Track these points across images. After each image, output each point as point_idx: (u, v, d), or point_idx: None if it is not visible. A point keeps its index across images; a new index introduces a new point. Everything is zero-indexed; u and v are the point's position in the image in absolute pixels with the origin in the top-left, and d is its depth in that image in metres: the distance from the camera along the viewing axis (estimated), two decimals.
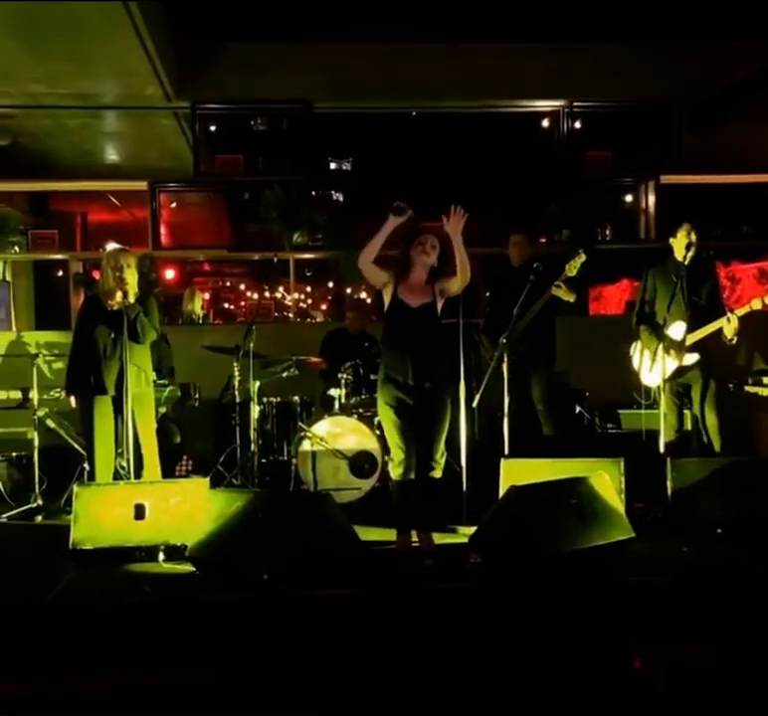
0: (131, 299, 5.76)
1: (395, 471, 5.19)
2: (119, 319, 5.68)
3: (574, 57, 9.75)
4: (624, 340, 6.47)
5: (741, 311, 5.80)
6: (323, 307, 21.47)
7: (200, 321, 10.44)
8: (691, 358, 5.96)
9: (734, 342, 5.85)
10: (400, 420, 5.13)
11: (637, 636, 4.06)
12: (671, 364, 5.97)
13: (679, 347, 5.96)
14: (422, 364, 5.09)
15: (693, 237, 5.98)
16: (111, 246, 6.18)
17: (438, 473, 5.19)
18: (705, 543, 5.13)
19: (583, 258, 6.25)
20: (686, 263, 5.98)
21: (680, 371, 6.01)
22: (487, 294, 6.86)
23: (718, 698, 3.43)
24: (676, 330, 5.98)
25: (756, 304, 5.76)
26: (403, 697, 3.47)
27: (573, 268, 6.24)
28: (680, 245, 6.03)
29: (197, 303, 10.30)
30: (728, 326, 5.81)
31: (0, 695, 3.48)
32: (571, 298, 6.36)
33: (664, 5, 9.54)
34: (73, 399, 5.95)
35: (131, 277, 5.81)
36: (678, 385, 6.09)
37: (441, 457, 5.19)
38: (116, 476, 5.90)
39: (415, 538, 5.21)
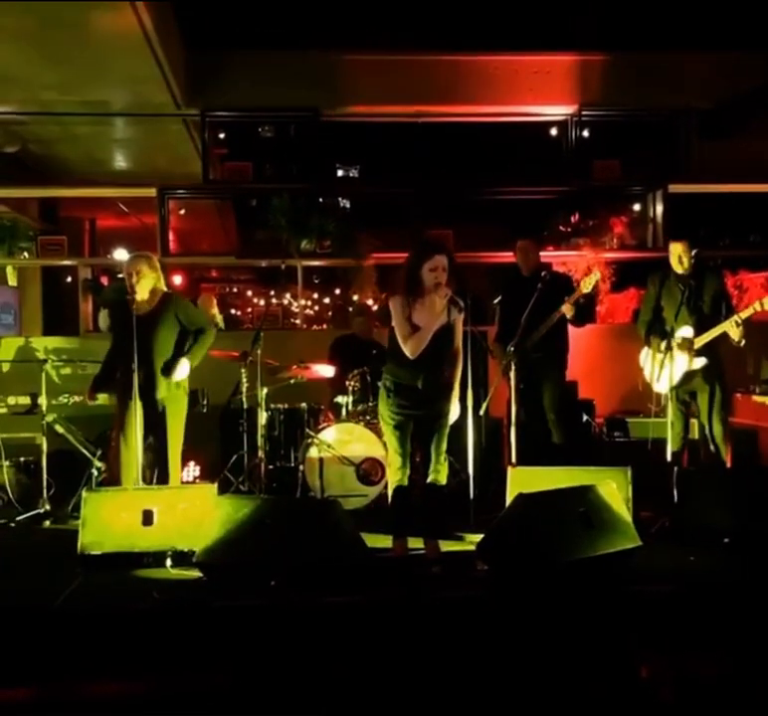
0: (143, 302, 5.79)
1: (393, 477, 5.22)
2: (141, 324, 5.70)
3: (583, 65, 9.78)
4: (631, 348, 6.49)
5: (745, 313, 5.77)
6: (330, 314, 21.48)
7: (223, 328, 10.38)
8: (699, 362, 5.96)
9: (743, 344, 5.83)
10: (402, 427, 5.16)
11: (645, 646, 4.06)
12: (679, 369, 5.95)
13: (690, 347, 5.95)
14: (431, 376, 5.10)
15: (682, 250, 6.00)
16: (119, 252, 6.20)
17: (442, 479, 5.22)
18: (712, 552, 5.13)
19: (598, 275, 6.30)
20: (688, 272, 6.01)
21: (689, 376, 6.00)
22: (495, 302, 6.85)
23: (728, 708, 3.43)
24: (684, 335, 5.98)
25: (759, 306, 5.74)
26: (411, 704, 3.47)
27: (588, 285, 6.26)
28: (675, 260, 6.07)
29: (216, 309, 10.24)
30: (735, 330, 5.80)
31: (11, 699, 3.49)
32: (578, 320, 6.40)
33: (674, 15, 9.57)
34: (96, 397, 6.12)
35: (144, 282, 5.83)
36: (685, 393, 6.09)
37: (444, 462, 5.23)
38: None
39: (420, 545, 5.22)
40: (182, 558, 5.01)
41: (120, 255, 5.84)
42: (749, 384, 7.86)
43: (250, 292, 22.08)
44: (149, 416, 5.78)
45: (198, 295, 12.63)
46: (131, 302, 5.77)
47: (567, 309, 6.25)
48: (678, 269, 6.07)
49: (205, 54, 9.58)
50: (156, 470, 5.85)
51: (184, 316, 5.94)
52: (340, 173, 12.52)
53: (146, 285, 5.85)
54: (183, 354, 5.88)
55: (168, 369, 5.81)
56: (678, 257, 6.04)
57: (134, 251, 6.43)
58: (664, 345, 5.92)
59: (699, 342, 5.94)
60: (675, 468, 5.67)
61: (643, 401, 6.44)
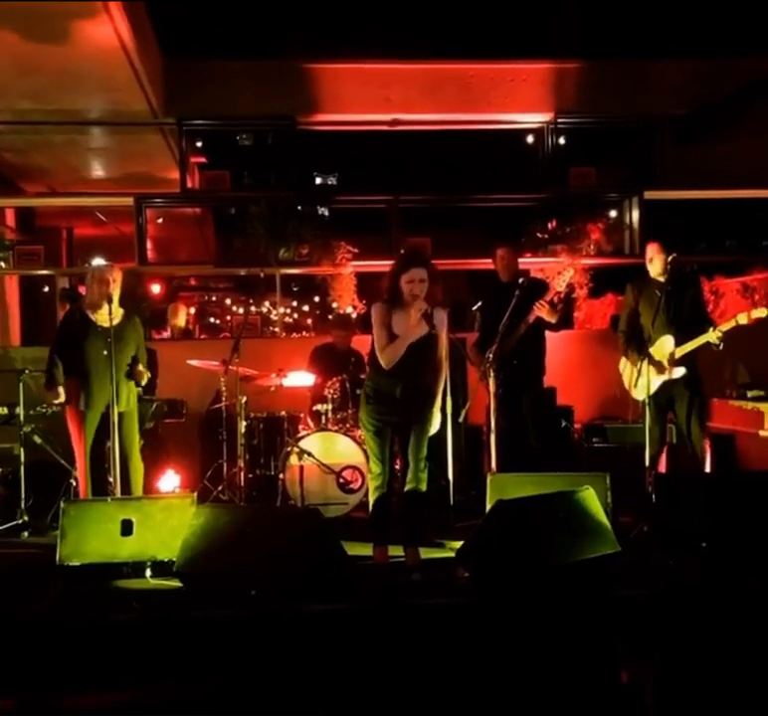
0: (115, 313, 5.77)
1: (373, 483, 5.24)
2: (105, 335, 5.67)
3: (559, 73, 9.85)
4: (609, 354, 6.51)
5: (726, 326, 5.76)
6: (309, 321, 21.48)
7: (175, 336, 10.37)
8: (678, 372, 5.95)
9: (721, 347, 5.81)
10: (381, 434, 5.18)
11: (624, 650, 4.08)
12: (656, 379, 5.96)
13: (668, 362, 5.94)
14: (409, 384, 5.11)
15: (661, 254, 5.98)
16: (97, 261, 6.17)
17: (422, 486, 5.22)
18: (691, 556, 5.15)
19: (572, 272, 6.28)
20: (664, 279, 5.99)
21: (667, 385, 6.01)
22: (474, 309, 6.86)
23: (705, 710, 3.45)
24: (664, 345, 5.98)
25: (742, 319, 5.73)
26: (392, 711, 3.47)
27: (561, 283, 6.26)
28: (654, 266, 6.05)
29: (181, 318, 10.25)
30: (716, 340, 5.78)
31: None
32: (553, 319, 6.31)
33: (648, 23, 9.66)
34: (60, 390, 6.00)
35: (115, 293, 5.82)
36: (664, 399, 6.09)
37: (424, 469, 5.23)
38: (103, 492, 5.90)
39: (401, 552, 5.22)
40: (162, 568, 4.98)
41: (98, 264, 5.87)
42: (726, 389, 7.90)
43: (228, 301, 22.04)
44: (107, 426, 5.75)
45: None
46: (91, 311, 5.84)
47: (542, 309, 6.21)
48: (653, 273, 6.05)
49: (182, 62, 9.58)
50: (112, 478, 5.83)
51: (139, 343, 6.04)
52: (318, 181, 12.54)
53: (116, 296, 5.85)
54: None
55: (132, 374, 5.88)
56: (651, 259, 6.02)
57: (111, 260, 6.41)
58: (641, 363, 5.91)
59: (679, 353, 5.92)
60: (654, 474, 5.70)
61: (621, 407, 6.46)
